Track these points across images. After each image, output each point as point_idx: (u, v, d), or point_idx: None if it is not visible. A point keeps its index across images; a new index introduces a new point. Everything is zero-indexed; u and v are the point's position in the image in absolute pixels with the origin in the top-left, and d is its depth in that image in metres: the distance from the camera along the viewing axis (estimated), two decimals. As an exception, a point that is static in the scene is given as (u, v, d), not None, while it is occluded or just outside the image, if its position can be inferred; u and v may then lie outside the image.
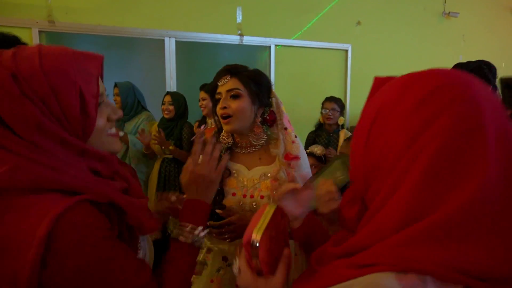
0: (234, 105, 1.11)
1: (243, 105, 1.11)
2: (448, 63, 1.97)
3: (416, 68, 0.52)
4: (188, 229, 0.73)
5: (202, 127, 2.86)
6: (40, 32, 3.20)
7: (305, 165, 1.18)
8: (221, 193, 1.19)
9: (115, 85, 2.92)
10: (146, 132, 2.75)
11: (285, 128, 1.17)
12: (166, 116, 2.85)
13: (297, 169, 1.14)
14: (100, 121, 0.66)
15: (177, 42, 3.66)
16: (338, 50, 4.28)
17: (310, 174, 1.15)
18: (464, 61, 1.81)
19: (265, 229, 0.60)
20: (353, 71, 4.32)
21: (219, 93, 1.15)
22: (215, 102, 1.18)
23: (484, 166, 0.41)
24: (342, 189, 0.79)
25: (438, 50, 4.65)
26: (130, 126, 2.92)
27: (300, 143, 1.20)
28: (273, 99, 1.21)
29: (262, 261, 0.59)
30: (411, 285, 0.41)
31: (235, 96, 1.12)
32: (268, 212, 0.64)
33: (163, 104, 2.88)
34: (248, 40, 3.88)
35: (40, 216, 0.54)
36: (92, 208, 0.59)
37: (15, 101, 0.56)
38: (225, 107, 1.12)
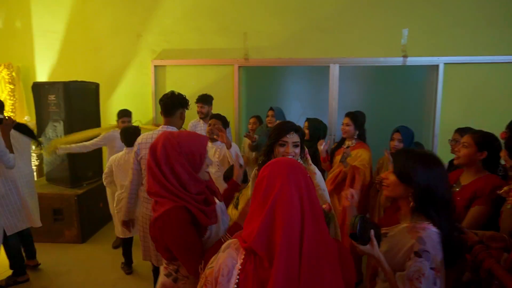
0: (296, 150, 1.84)
1: (299, 150, 1.87)
2: None
3: None
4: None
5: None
6: (239, 67, 4.36)
7: (319, 178, 1.98)
8: None
9: (271, 108, 3.60)
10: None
11: (307, 158, 2.00)
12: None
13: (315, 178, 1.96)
14: (203, 167, 1.40)
15: (340, 67, 4.11)
16: (533, 63, 3.62)
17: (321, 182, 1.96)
18: None
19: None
20: (556, 87, 3.55)
21: (286, 141, 1.81)
22: (279, 144, 1.84)
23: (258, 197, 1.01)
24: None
25: None
26: None
27: (315, 166, 2.01)
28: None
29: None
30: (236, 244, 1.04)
31: (296, 146, 1.83)
32: None
33: None
34: (413, 60, 3.87)
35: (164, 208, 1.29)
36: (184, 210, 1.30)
37: (178, 154, 1.31)
38: (291, 152, 1.85)
